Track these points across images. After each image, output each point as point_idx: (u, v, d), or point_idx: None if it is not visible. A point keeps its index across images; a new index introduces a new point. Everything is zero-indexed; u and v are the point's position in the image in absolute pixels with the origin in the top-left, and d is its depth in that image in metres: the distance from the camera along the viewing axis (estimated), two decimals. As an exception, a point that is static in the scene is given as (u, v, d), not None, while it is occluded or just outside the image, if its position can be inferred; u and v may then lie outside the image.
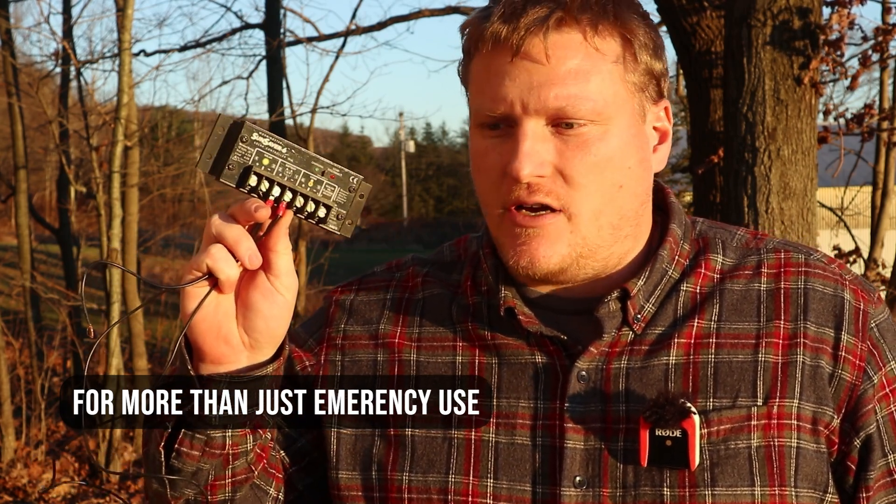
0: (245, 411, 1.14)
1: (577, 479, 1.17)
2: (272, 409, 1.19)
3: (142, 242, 10.33)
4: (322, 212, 1.12)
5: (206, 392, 1.12)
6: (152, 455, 1.17)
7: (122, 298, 8.58)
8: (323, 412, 1.28)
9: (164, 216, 19.16)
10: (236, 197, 1.12)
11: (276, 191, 1.10)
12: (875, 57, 4.61)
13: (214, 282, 1.10)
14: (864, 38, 4.59)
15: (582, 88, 1.16)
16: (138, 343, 9.31)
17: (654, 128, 1.25)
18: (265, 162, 1.10)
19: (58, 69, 11.27)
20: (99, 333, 1.25)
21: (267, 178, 1.10)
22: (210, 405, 1.12)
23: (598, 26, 1.17)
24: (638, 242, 1.25)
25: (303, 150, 1.12)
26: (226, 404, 1.13)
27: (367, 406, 1.27)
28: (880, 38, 4.52)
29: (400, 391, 1.26)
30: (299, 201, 1.11)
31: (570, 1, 1.16)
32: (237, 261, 1.09)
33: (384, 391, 1.26)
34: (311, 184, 1.11)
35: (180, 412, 1.12)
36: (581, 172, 1.16)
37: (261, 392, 1.14)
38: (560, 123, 1.16)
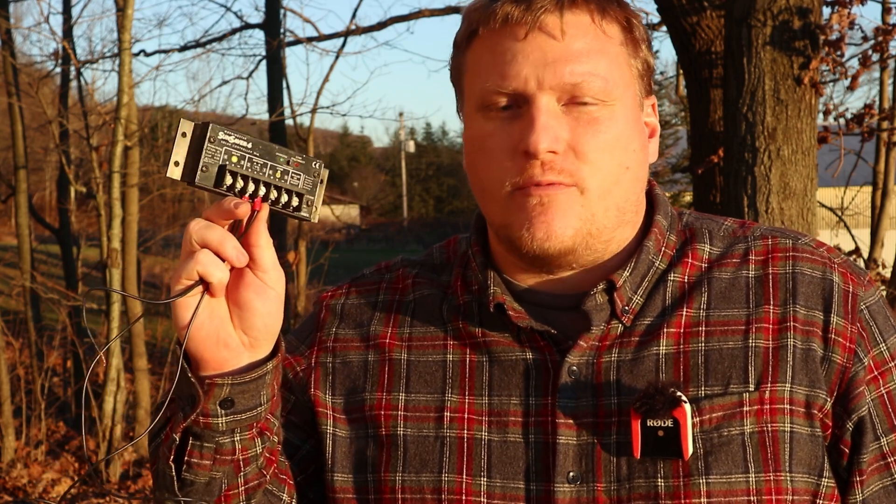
0: (251, 412, 1.13)
1: (571, 474, 1.17)
2: (275, 407, 1.18)
3: (142, 242, 10.33)
4: (295, 201, 1.13)
5: (212, 398, 1.11)
6: (162, 471, 1.15)
7: (122, 299, 8.59)
8: (317, 415, 1.28)
9: (164, 216, 19.17)
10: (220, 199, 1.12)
11: (251, 186, 1.10)
12: (875, 57, 4.61)
13: (205, 287, 1.09)
14: (864, 38, 4.59)
15: (594, 66, 1.17)
16: (138, 343, 9.32)
17: (645, 122, 1.26)
18: (234, 159, 1.09)
19: (58, 69, 11.29)
20: (103, 343, 1.24)
21: (241, 176, 1.09)
22: (215, 410, 1.11)
23: (605, 11, 1.19)
24: (634, 230, 1.25)
25: (264, 142, 1.12)
26: (230, 408, 1.12)
27: (358, 407, 1.27)
28: (880, 38, 4.51)
29: (390, 391, 1.25)
30: (273, 194, 1.11)
31: None
32: (224, 262, 1.09)
33: (375, 391, 1.26)
34: (278, 175, 1.12)
35: (187, 422, 1.11)
36: (593, 149, 1.17)
37: (263, 391, 1.13)
38: (573, 101, 1.17)
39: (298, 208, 1.13)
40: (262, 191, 1.10)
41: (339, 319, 1.33)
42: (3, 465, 8.76)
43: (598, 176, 1.17)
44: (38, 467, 8.71)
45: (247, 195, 1.09)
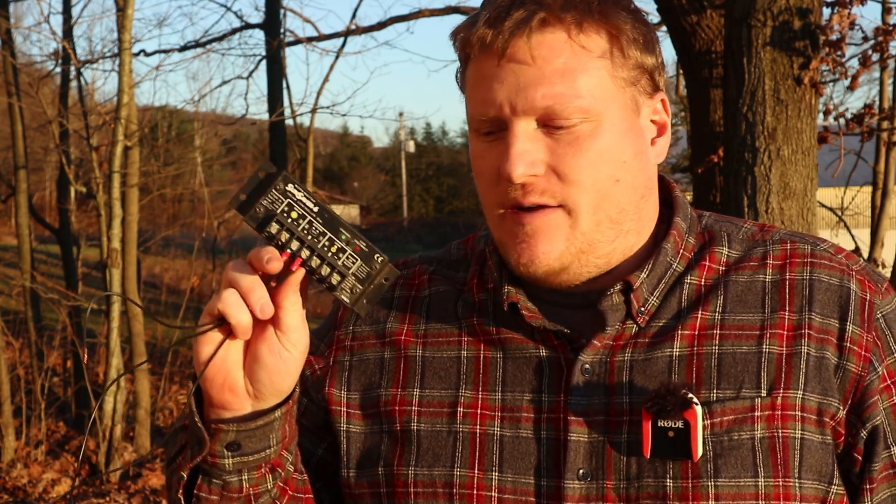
0: (259, 454, 1.13)
1: (581, 471, 1.17)
2: (290, 442, 1.18)
3: (142, 242, 10.33)
4: (335, 279, 1.09)
5: (218, 441, 1.11)
6: (174, 500, 1.16)
7: (122, 299, 8.60)
8: (330, 413, 1.29)
9: (164, 216, 19.19)
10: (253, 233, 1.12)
11: (295, 245, 1.08)
12: (875, 57, 4.62)
13: (228, 328, 1.08)
14: (865, 38, 4.60)
15: (569, 86, 1.16)
16: (138, 343, 9.31)
17: (652, 121, 1.25)
18: (293, 215, 1.08)
19: (58, 69, 11.29)
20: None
21: (288, 229, 1.07)
22: (222, 452, 1.12)
23: (583, 24, 1.17)
24: (641, 237, 1.25)
25: (335, 214, 1.10)
26: (236, 450, 1.12)
27: (373, 403, 1.27)
28: (880, 38, 4.52)
29: (405, 387, 1.26)
30: (315, 262, 1.08)
31: (553, 0, 1.16)
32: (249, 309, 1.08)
33: (390, 388, 1.27)
34: (333, 249, 1.09)
35: (194, 462, 1.12)
36: (575, 169, 1.17)
37: (272, 434, 1.13)
38: (550, 124, 1.16)
39: (335, 287, 1.09)
40: (305, 254, 1.08)
41: (356, 316, 1.33)
42: (3, 465, 8.76)
43: (583, 194, 1.17)
44: (38, 467, 8.71)
45: (287, 252, 1.07)
